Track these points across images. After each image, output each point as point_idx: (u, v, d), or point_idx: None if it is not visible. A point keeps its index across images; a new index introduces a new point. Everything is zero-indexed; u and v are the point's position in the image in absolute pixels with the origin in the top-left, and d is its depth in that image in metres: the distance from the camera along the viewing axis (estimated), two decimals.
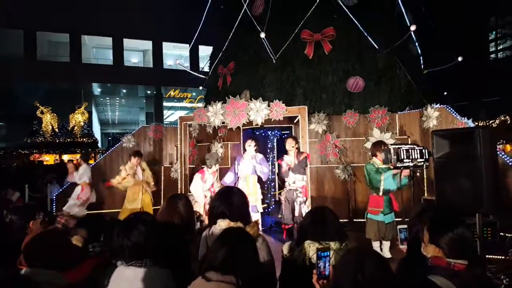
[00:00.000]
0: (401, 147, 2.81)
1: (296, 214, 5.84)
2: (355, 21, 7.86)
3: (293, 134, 7.91)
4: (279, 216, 6.41)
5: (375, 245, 4.98)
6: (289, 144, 5.99)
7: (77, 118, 21.22)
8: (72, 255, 2.03)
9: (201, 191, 5.83)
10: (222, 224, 2.12)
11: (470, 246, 1.73)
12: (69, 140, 20.52)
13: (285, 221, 6.11)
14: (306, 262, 1.99)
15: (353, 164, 7.42)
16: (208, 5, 10.45)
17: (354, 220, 7.10)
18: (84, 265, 2.05)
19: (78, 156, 15.43)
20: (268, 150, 9.42)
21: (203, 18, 10.43)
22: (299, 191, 5.90)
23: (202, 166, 6.35)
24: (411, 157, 2.80)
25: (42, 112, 20.36)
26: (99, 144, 23.95)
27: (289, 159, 5.98)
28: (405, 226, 2.46)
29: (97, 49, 27.91)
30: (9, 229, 2.48)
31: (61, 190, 8.63)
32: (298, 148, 6.14)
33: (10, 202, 5.58)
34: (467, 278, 1.57)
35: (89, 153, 9.67)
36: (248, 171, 6.21)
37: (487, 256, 3.08)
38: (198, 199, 5.83)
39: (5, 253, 1.99)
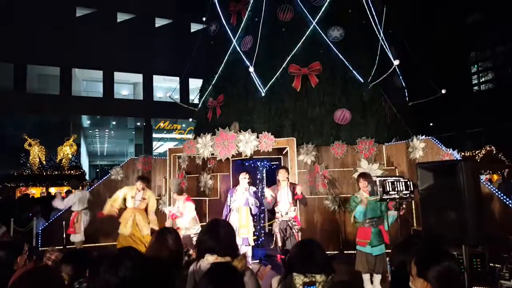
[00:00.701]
0: (387, 179, 2.86)
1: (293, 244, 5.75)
2: (341, 56, 8.17)
3: (283, 165, 7.94)
4: (271, 247, 6.30)
5: (365, 277, 4.91)
6: (282, 174, 5.98)
7: (65, 150, 21.00)
8: None
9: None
10: (210, 258, 2.11)
11: (458, 279, 1.73)
12: (56, 172, 20.19)
13: (280, 252, 6.02)
14: None
15: (342, 195, 7.43)
16: (198, 41, 10.77)
17: (345, 251, 7.02)
18: None
19: (65, 188, 15.15)
20: (258, 181, 9.40)
21: (193, 53, 10.72)
22: (293, 220, 5.87)
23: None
24: (396, 189, 2.85)
25: (30, 145, 20.12)
26: (87, 176, 23.58)
27: (269, 193, 5.88)
28: None
29: (88, 81, 28.12)
30: None
31: (47, 224, 8.41)
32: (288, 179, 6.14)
33: None
34: None
35: (78, 183, 9.53)
36: (241, 202, 6.18)
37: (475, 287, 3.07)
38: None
39: None
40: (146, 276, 1.93)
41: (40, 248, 7.03)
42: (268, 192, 5.90)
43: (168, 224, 6.19)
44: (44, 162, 20.32)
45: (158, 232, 2.46)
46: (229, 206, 6.32)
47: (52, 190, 18.69)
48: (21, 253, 2.77)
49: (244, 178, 6.24)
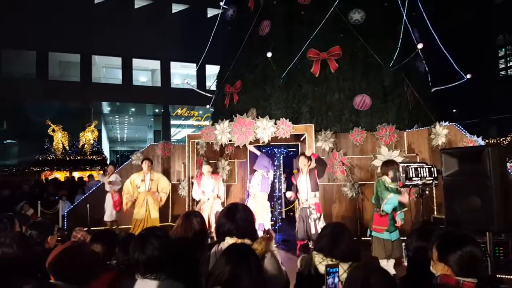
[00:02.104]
0: (410, 166, 2.80)
1: (313, 231, 5.77)
2: (361, 40, 7.96)
3: (301, 152, 7.90)
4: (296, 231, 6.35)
5: (383, 263, 4.89)
6: (302, 162, 5.98)
7: (87, 136, 21.51)
8: (95, 268, 2.09)
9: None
10: (230, 241, 2.13)
11: (479, 265, 1.70)
12: (79, 157, 20.77)
13: (300, 238, 6.08)
14: (312, 272, 2.03)
15: (361, 182, 7.36)
16: (216, 26, 10.69)
17: (362, 238, 6.99)
18: (102, 278, 2.12)
19: (87, 173, 15.56)
20: (275, 168, 9.41)
21: (211, 38, 10.67)
22: (312, 208, 5.88)
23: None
24: (420, 176, 2.79)
25: (53, 130, 20.71)
26: (108, 162, 24.15)
27: (289, 194, 6.20)
28: None
29: (107, 68, 28.50)
30: (28, 245, 2.52)
31: (72, 206, 8.72)
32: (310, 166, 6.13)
33: (28, 218, 5.63)
34: None
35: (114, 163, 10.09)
36: (257, 188, 6.27)
37: (499, 275, 3.01)
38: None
39: (28, 267, 2.03)
40: (171, 256, 2.02)
41: (65, 229, 7.28)
42: (288, 194, 6.19)
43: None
44: (67, 147, 20.90)
45: (184, 215, 2.52)
46: (248, 191, 6.43)
47: (75, 174, 19.27)
48: (52, 233, 2.88)
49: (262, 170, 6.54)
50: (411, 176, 2.79)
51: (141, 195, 6.70)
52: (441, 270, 1.70)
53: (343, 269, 1.96)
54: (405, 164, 2.85)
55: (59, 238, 3.54)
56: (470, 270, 1.64)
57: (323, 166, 6.14)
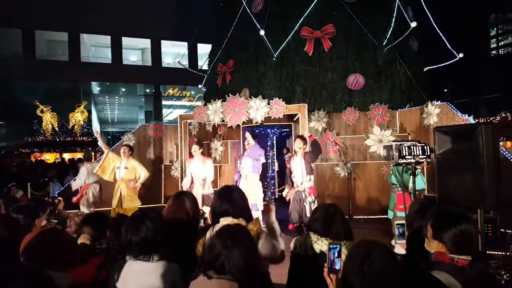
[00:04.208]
0: (403, 144, 2.80)
1: (308, 214, 5.77)
2: (355, 18, 7.84)
3: (298, 134, 7.73)
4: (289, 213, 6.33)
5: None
6: (297, 144, 5.88)
7: (77, 117, 21.25)
8: (76, 253, 2.03)
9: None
10: (225, 222, 2.12)
11: (474, 242, 1.71)
12: (69, 139, 20.55)
13: (293, 221, 6.08)
14: (309, 253, 2.03)
15: (353, 162, 7.40)
16: (207, 3, 10.42)
17: (354, 217, 7.09)
18: (90, 263, 2.10)
19: (78, 155, 15.40)
20: (268, 148, 9.41)
21: (202, 16, 10.41)
22: (307, 191, 5.88)
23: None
24: (413, 154, 2.79)
25: (42, 111, 20.39)
26: (99, 143, 23.95)
27: (285, 192, 6.10)
28: (403, 222, 2.45)
29: (96, 47, 27.85)
30: (15, 228, 2.47)
31: (62, 188, 8.64)
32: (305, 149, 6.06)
33: (16, 200, 5.53)
34: (470, 274, 1.56)
35: (90, 152, 9.53)
36: (249, 169, 6.18)
37: (488, 252, 3.08)
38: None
39: (11, 251, 1.98)
40: (165, 236, 2.00)
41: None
42: (285, 192, 6.13)
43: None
44: (56, 128, 20.63)
45: (175, 195, 2.49)
46: (239, 172, 6.36)
47: (66, 156, 19.09)
48: (39, 216, 2.82)
49: (247, 144, 6.26)
50: (404, 154, 2.80)
51: (116, 183, 6.34)
52: (435, 248, 1.71)
53: (344, 246, 1.98)
54: (398, 142, 2.85)
55: (55, 221, 3.48)
56: (464, 247, 1.64)
57: (317, 151, 6.11)
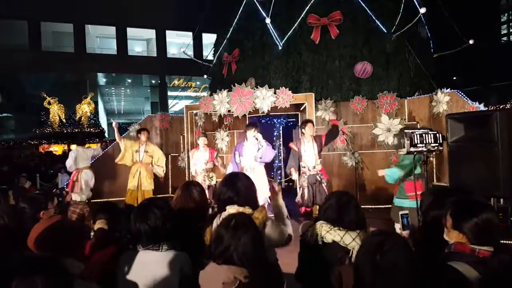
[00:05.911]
0: (415, 132, 2.73)
1: (324, 196, 5.66)
2: (363, 4, 7.68)
3: (307, 119, 7.41)
4: (296, 201, 6.25)
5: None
6: (310, 129, 5.72)
7: (84, 108, 21.33)
8: (83, 243, 2.05)
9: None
10: (231, 210, 2.10)
11: (496, 232, 1.62)
12: (76, 130, 20.68)
13: (306, 204, 6.01)
14: (318, 242, 2.00)
15: (361, 151, 7.33)
16: None
17: (362, 206, 7.03)
18: (104, 251, 2.10)
19: (86, 146, 15.52)
20: (274, 138, 9.36)
21: (206, 6, 10.30)
22: (320, 174, 5.83)
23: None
24: (424, 142, 2.72)
25: (49, 103, 20.49)
26: (106, 134, 24.07)
27: (295, 176, 5.93)
28: (407, 212, 2.41)
29: (101, 38, 27.81)
30: (21, 218, 2.47)
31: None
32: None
33: (25, 191, 5.57)
34: (493, 265, 1.48)
35: (82, 139, 9.71)
36: (254, 162, 5.87)
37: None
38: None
39: (19, 241, 1.98)
40: (174, 225, 2.01)
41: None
42: (294, 175, 5.94)
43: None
44: (64, 120, 20.76)
45: (183, 185, 2.48)
46: (237, 163, 5.82)
47: (74, 147, 19.23)
48: (46, 208, 2.80)
49: (253, 136, 5.48)
50: (416, 142, 2.73)
51: (134, 166, 6.57)
52: (455, 238, 1.64)
53: (351, 238, 1.94)
54: (410, 131, 2.78)
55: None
56: (486, 238, 1.57)
57: (335, 135, 6.07)
